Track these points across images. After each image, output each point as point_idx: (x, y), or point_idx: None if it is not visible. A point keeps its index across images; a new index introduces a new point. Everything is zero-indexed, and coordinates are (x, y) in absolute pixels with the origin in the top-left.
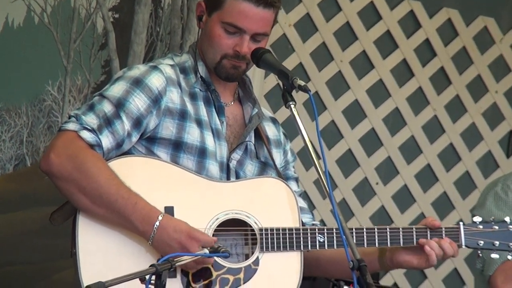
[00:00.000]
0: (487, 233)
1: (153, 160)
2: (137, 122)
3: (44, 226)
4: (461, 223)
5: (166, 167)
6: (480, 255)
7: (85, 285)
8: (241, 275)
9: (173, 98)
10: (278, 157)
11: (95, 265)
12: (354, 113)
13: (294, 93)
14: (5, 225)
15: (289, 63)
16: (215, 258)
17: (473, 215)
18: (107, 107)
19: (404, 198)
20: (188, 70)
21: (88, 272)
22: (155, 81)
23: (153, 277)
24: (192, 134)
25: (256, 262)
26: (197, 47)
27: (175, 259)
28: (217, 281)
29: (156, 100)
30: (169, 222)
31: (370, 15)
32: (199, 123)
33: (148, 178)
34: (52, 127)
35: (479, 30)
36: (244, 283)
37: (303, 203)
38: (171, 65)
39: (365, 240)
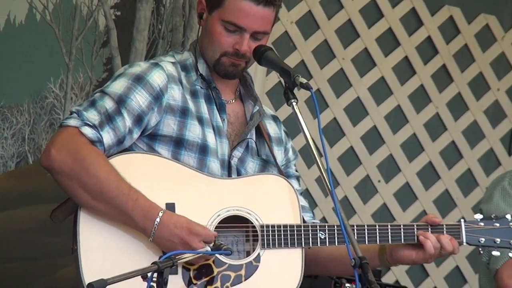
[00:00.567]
0: (488, 230)
1: (154, 157)
2: (138, 119)
3: (45, 224)
4: (462, 220)
5: (167, 164)
6: (481, 252)
7: (86, 281)
8: (242, 272)
9: (174, 95)
10: (279, 155)
11: (96, 261)
12: (356, 111)
13: (296, 90)
14: (6, 222)
15: (291, 61)
16: (217, 255)
17: (480, 209)
18: (108, 104)
19: (406, 196)
20: (189, 68)
21: (89, 269)
22: (157, 78)
23: (155, 274)
24: (193, 132)
25: (257, 259)
26: (198, 45)
27: (177, 257)
28: (218, 277)
29: (157, 97)
30: (169, 218)
31: (372, 13)
32: (200, 120)
33: (149, 175)
34: (54, 125)
35: (481, 28)
36: (245, 279)
37: (304, 202)
38: (172, 62)
39: (366, 237)
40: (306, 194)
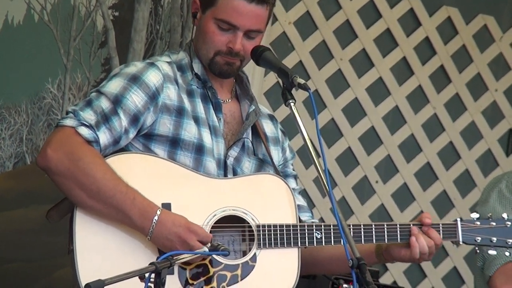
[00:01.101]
0: (484, 229)
1: (150, 157)
2: (135, 119)
3: (43, 224)
4: (458, 219)
5: (163, 164)
6: (478, 251)
7: (82, 282)
8: (239, 272)
9: (170, 95)
10: (276, 155)
11: (92, 262)
12: (354, 112)
13: (294, 91)
14: (5, 223)
15: (289, 61)
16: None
17: (476, 212)
18: (104, 104)
19: (403, 197)
20: (184, 68)
21: (86, 269)
22: (152, 77)
23: (153, 275)
24: (189, 131)
25: (254, 258)
26: (193, 45)
27: (174, 257)
28: (215, 277)
29: (153, 96)
30: (167, 216)
31: (370, 13)
32: (196, 120)
33: (145, 175)
34: (52, 125)
35: (479, 29)
36: (241, 279)
37: (302, 201)
38: (168, 62)
39: (362, 237)
40: (303, 194)
